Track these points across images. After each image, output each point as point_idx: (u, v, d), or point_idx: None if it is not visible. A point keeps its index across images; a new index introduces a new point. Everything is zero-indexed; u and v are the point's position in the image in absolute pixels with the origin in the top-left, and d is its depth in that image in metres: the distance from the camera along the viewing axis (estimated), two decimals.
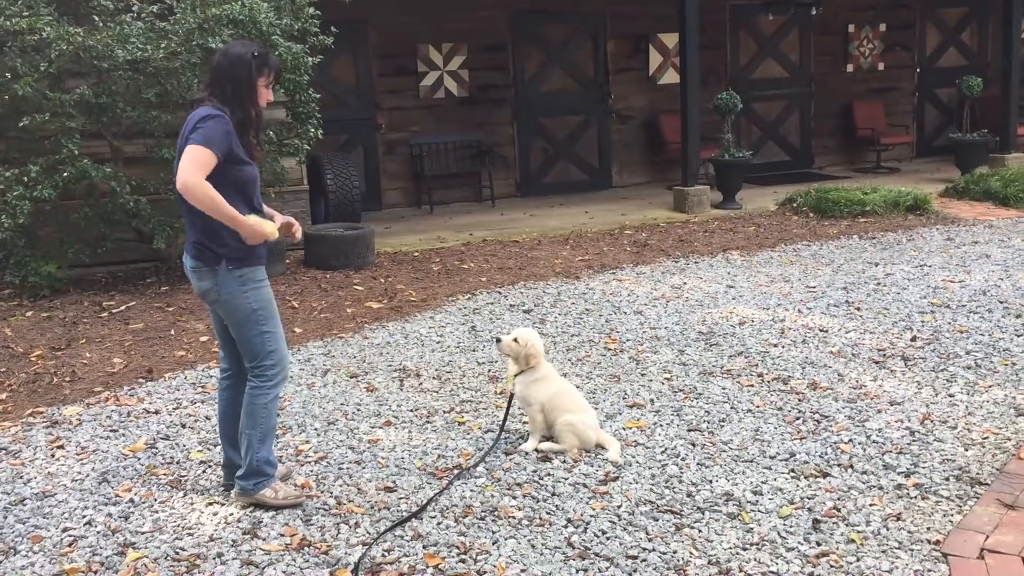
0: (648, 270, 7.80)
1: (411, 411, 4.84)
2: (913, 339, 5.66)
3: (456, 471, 4.05)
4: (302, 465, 4.21)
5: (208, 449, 4.42)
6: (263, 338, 3.65)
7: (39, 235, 7.50)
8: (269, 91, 3.65)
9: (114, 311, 6.93)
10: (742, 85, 12.51)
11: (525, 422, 4.43)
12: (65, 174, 6.91)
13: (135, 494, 3.95)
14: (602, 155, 12.61)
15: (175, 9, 7.15)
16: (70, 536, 3.61)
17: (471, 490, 3.89)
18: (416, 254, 8.65)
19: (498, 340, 4.43)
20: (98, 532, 3.63)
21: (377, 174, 11.54)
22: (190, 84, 7.28)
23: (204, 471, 4.18)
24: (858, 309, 6.37)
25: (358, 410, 4.87)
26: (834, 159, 13.70)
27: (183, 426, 4.71)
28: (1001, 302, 6.35)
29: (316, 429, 4.63)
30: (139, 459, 4.31)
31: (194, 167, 3.38)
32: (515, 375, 4.35)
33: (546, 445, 4.27)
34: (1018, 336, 5.61)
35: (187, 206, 3.49)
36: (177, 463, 4.27)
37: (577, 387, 5.03)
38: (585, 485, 3.89)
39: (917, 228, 9.04)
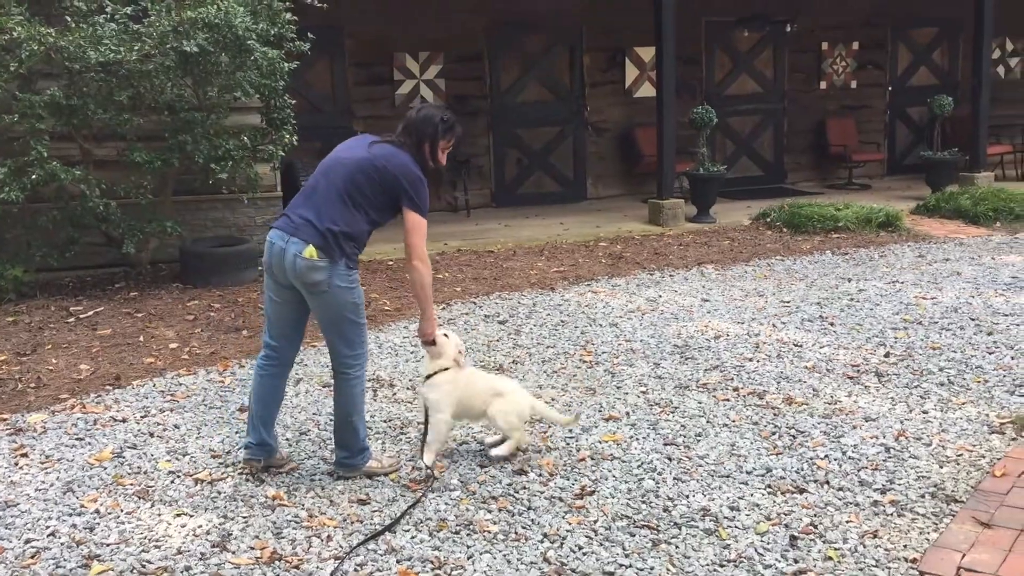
0: (623, 282, 7.79)
1: (385, 422, 4.78)
2: (886, 355, 5.69)
3: (429, 483, 3.99)
4: (273, 476, 4.13)
5: (177, 459, 4.33)
6: (358, 330, 3.95)
7: (5, 238, 7.37)
8: (444, 155, 4.08)
9: (81, 316, 6.80)
10: (717, 100, 12.59)
11: (481, 429, 4.38)
12: (34, 176, 6.79)
13: (101, 504, 3.85)
14: (577, 167, 12.63)
15: (149, 11, 7.06)
16: (33, 547, 3.51)
17: (445, 503, 3.84)
18: (391, 263, 8.58)
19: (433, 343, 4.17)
20: (62, 544, 3.53)
21: None
22: (163, 87, 7.21)
23: (172, 481, 4.09)
24: (832, 324, 6.39)
25: (331, 421, 4.78)
26: (807, 175, 13.81)
27: (151, 435, 4.62)
28: (972, 319, 6.39)
29: (288, 440, 4.55)
30: (105, 468, 4.22)
31: (424, 241, 3.88)
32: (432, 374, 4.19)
33: (502, 449, 4.22)
34: (990, 354, 5.64)
35: (343, 197, 3.80)
36: (145, 473, 4.18)
37: (552, 400, 5.02)
38: (561, 499, 3.85)
39: (889, 245, 9.11)
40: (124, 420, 4.82)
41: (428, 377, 4.21)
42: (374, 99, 11.50)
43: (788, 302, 7.02)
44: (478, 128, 11.93)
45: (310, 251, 3.76)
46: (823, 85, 13.74)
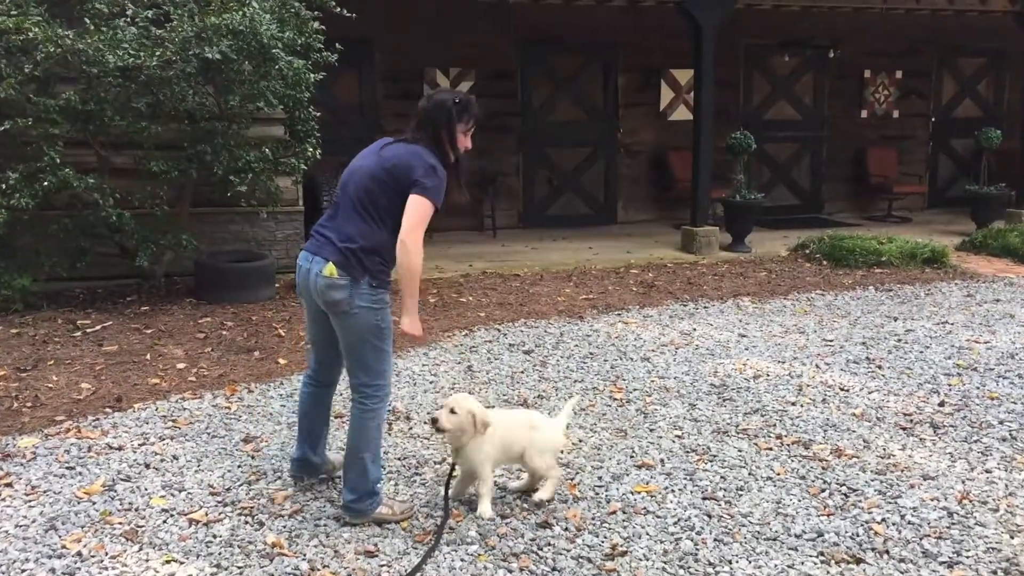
0: (655, 313, 7.42)
1: (399, 460, 4.43)
2: (941, 404, 5.27)
3: (443, 533, 3.63)
4: (274, 519, 3.79)
5: (172, 494, 4.00)
6: (379, 355, 3.66)
7: (14, 246, 7.10)
8: (468, 138, 3.77)
9: (88, 330, 6.51)
10: (754, 125, 12.18)
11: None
12: (46, 183, 6.53)
13: (84, 546, 3.52)
14: (608, 189, 12.29)
15: (172, 16, 6.79)
16: None
17: (462, 559, 3.47)
18: None
19: (435, 421, 3.75)
20: None
21: None
22: (184, 95, 6.95)
23: (164, 521, 3.75)
24: (879, 367, 5.98)
25: (340, 455, 4.44)
26: (844, 205, 13.37)
27: (147, 466, 4.29)
28: None
29: (293, 477, 4.20)
30: (94, 503, 3.89)
31: (422, 224, 3.52)
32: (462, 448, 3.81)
33: (544, 492, 3.88)
34: None
35: (357, 209, 3.58)
36: (136, 510, 3.85)
37: (580, 441, 4.65)
38: (589, 560, 3.47)
39: (935, 282, 8.67)
40: (120, 448, 4.50)
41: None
42: (403, 114, 11.10)
43: (831, 341, 6.61)
44: (508, 146, 11.63)
45: (329, 269, 3.57)
46: (864, 114, 13.33)
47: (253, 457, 4.43)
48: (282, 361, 5.97)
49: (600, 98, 12.12)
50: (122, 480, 4.13)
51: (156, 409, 5.06)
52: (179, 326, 6.72)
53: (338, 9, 7.46)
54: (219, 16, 6.63)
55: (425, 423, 4.89)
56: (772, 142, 12.77)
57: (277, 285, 7.83)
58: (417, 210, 3.52)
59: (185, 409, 5.08)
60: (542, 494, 3.92)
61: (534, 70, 11.72)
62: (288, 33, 7.09)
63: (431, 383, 5.59)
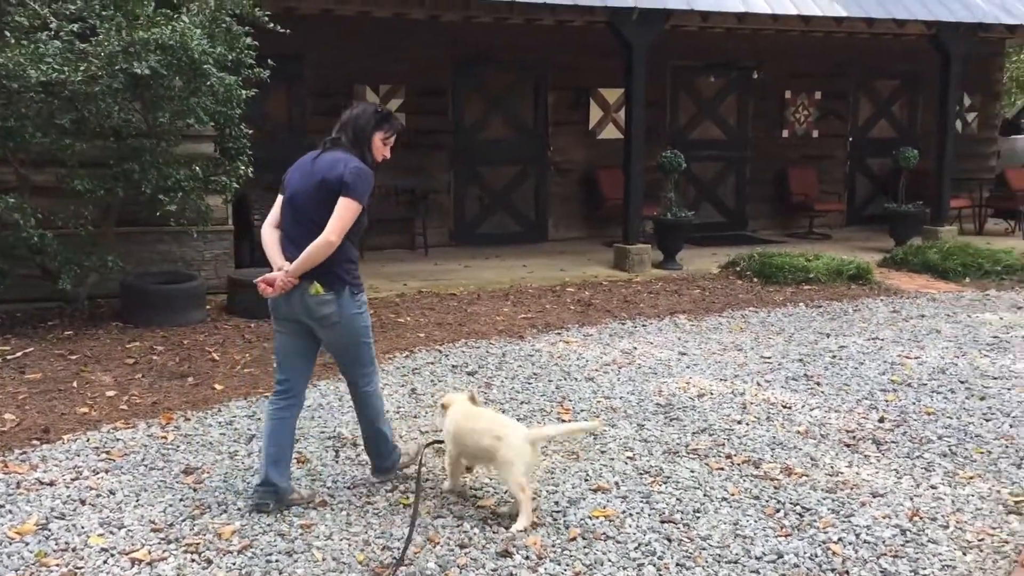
0: (595, 332, 7.42)
1: (349, 488, 4.30)
2: (881, 420, 5.38)
3: (401, 567, 3.53)
4: (223, 556, 3.63)
5: (111, 532, 3.80)
6: (369, 349, 4.13)
7: None
8: (387, 148, 4.03)
9: (8, 357, 6.20)
10: (680, 145, 12.28)
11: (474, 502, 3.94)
12: None
13: None
14: (539, 207, 12.30)
15: (98, 30, 6.55)
16: None
17: None
18: None
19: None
20: None
21: None
22: (110, 111, 6.70)
23: (104, 561, 3.56)
24: (818, 384, 6.08)
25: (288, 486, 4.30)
26: (768, 223, 13.65)
27: (82, 502, 4.08)
28: (962, 382, 6.13)
29: (239, 509, 4.05)
30: (27, 544, 3.67)
31: (348, 224, 3.81)
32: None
33: (520, 522, 3.85)
34: (987, 421, 5.37)
35: (314, 228, 3.80)
36: (73, 550, 3.65)
37: (534, 468, 4.59)
38: None
39: (861, 298, 8.89)
40: (52, 483, 4.27)
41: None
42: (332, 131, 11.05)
43: (769, 358, 6.70)
44: (440, 163, 11.56)
45: (315, 288, 3.85)
46: (785, 134, 13.65)
47: (195, 490, 4.26)
48: (218, 387, 5.77)
49: (531, 116, 12.15)
50: (56, 518, 3.91)
51: (87, 440, 4.83)
52: (106, 351, 6.45)
53: (271, 25, 7.30)
54: (148, 31, 6.42)
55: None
56: (698, 161, 12.91)
57: (208, 307, 7.59)
58: (344, 212, 3.80)
59: (118, 440, 4.86)
60: (517, 525, 3.82)
61: (465, 88, 11.69)
62: (219, 48, 6.91)
63: None
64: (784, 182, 13.55)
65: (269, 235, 4.03)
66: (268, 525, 3.90)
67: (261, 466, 4.01)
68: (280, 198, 4.07)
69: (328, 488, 4.29)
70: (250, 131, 7.69)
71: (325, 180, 3.83)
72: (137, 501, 4.12)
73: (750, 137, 13.40)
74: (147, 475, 4.41)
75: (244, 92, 7.19)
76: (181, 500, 4.13)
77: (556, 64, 11.97)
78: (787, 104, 13.56)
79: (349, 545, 3.73)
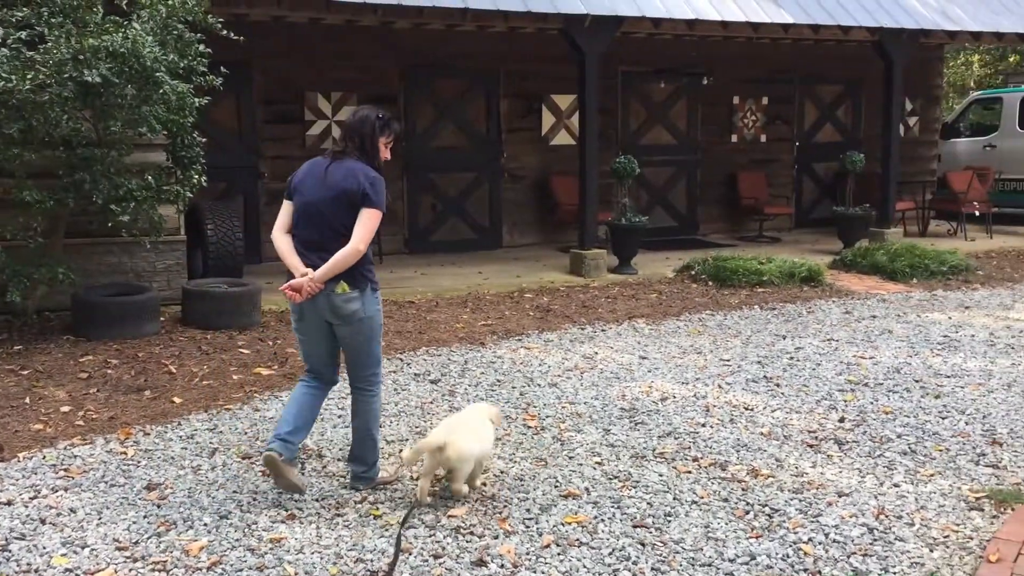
0: (555, 337, 7.43)
1: (317, 501, 4.25)
2: (841, 420, 5.46)
3: None
4: (191, 573, 3.55)
5: (74, 552, 3.70)
6: (379, 347, 4.34)
7: None
8: (387, 150, 4.24)
9: None
10: (632, 150, 12.42)
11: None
12: None
13: None
14: (493, 214, 12.30)
15: (47, 37, 6.39)
16: None
17: None
18: None
19: None
20: None
21: (257, 225, 10.85)
22: (59, 120, 6.54)
23: None
24: (778, 385, 6.16)
25: (254, 500, 4.24)
26: (719, 227, 13.82)
27: (43, 521, 3.97)
28: (916, 381, 6.26)
29: (206, 525, 3.97)
30: None
31: (373, 232, 4.07)
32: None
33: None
34: (943, 419, 5.49)
35: (336, 233, 4.04)
36: (36, 571, 3.54)
37: (502, 472, 4.58)
38: None
39: (814, 300, 9.04)
40: (9, 503, 4.15)
41: None
42: (283, 138, 10.96)
43: (728, 361, 6.78)
44: (392, 172, 11.47)
45: (342, 287, 4.06)
46: (734, 138, 13.84)
47: (159, 506, 4.17)
48: (177, 400, 5.67)
49: (483, 123, 12.15)
50: (16, 539, 3.80)
51: (44, 458, 4.71)
52: (58, 366, 6.29)
53: (224, 32, 7.20)
54: (98, 38, 6.29)
55: (339, 460, 4.73)
56: (649, 166, 13.03)
57: (162, 319, 7.45)
58: (369, 221, 4.04)
59: (76, 456, 4.74)
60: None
61: (417, 95, 11.65)
62: (171, 56, 6.79)
63: (339, 418, 5.41)
64: (734, 186, 13.74)
65: (283, 241, 4.18)
66: (237, 540, 3.83)
67: (281, 420, 4.23)
68: (287, 204, 4.20)
69: (296, 501, 4.23)
70: (203, 139, 7.57)
71: (346, 191, 4.03)
72: (100, 519, 4.02)
73: (700, 142, 13.56)
74: (108, 492, 4.31)
75: (197, 100, 7.08)
76: (145, 517, 4.04)
77: (508, 71, 12.00)
78: (736, 109, 13.76)
79: (321, 558, 3.68)
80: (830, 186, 14.34)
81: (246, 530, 3.92)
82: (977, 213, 13.43)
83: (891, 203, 12.23)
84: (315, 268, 4.04)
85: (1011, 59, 25.15)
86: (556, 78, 11.86)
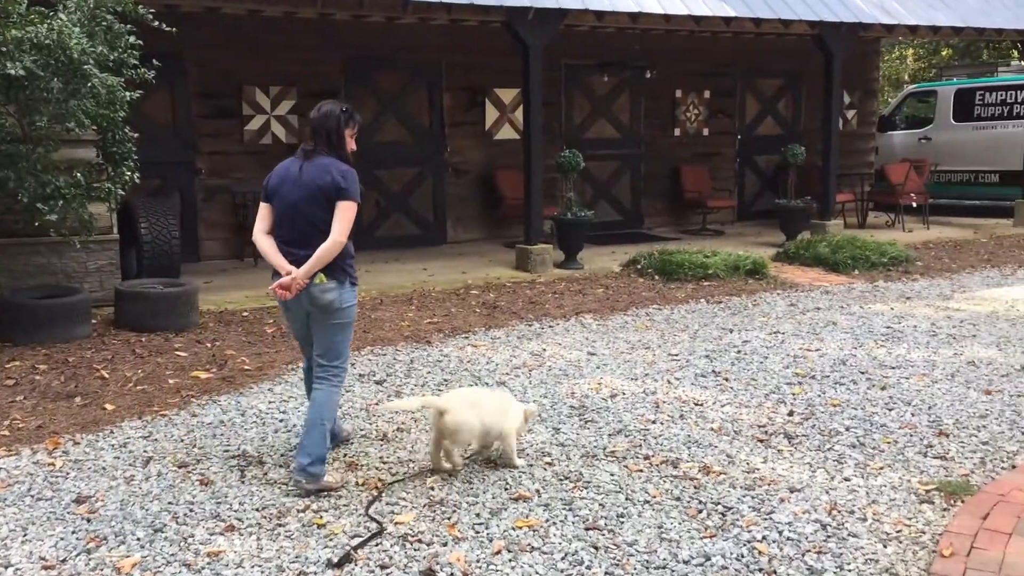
0: (503, 334, 7.33)
1: (257, 510, 4.08)
2: (790, 414, 5.44)
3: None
4: None
5: None
6: (347, 341, 4.48)
7: None
8: (352, 142, 4.42)
9: None
10: (576, 144, 12.34)
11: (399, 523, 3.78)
12: None
13: None
14: (437, 209, 12.15)
15: None
16: None
17: None
18: (245, 314, 7.79)
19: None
20: None
21: (195, 223, 10.58)
22: None
23: None
24: (727, 380, 6.13)
25: (191, 511, 4.06)
26: (663, 220, 13.85)
27: None
28: (862, 372, 6.29)
29: (139, 539, 3.78)
30: None
31: (351, 224, 4.23)
32: None
33: None
34: (890, 411, 5.50)
35: (316, 229, 4.20)
36: None
37: (450, 475, 4.46)
38: None
39: (759, 293, 9.07)
40: None
41: None
42: (221, 134, 10.67)
43: (676, 355, 6.74)
44: None
45: (320, 278, 4.22)
46: (677, 132, 13.87)
47: (89, 520, 3.97)
48: (109, 407, 5.43)
49: (426, 117, 11.98)
50: None
51: None
52: None
53: (156, 23, 6.94)
54: (21, 29, 6.01)
55: (280, 467, 4.56)
56: (593, 160, 12.99)
57: (94, 321, 7.17)
58: (346, 214, 4.21)
59: (1, 469, 4.50)
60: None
61: (359, 89, 11.44)
62: (100, 48, 6.52)
63: (281, 422, 5.24)
64: (677, 180, 13.77)
65: (266, 243, 4.33)
66: (172, 555, 3.65)
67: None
68: (264, 206, 4.36)
69: (234, 511, 4.06)
70: (135, 135, 7.30)
71: (321, 188, 4.20)
72: (25, 536, 3.80)
73: (644, 136, 13.55)
74: (34, 506, 4.09)
75: (128, 94, 6.82)
76: (74, 532, 3.83)
77: (451, 64, 11.85)
78: (679, 103, 13.79)
79: (261, 572, 3.53)
80: (772, 179, 14.46)
81: (182, 544, 3.74)
82: (914, 204, 13.66)
83: (832, 195, 12.36)
84: (299, 265, 4.19)
85: (944, 53, 25.70)
86: (500, 71, 11.74)
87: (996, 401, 5.64)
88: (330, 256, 4.18)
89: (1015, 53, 21.89)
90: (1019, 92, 14.67)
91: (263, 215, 4.36)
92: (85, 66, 6.23)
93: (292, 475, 4.29)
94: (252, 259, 10.29)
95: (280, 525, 3.94)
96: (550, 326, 7.63)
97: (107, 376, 6.01)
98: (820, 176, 12.53)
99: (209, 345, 6.82)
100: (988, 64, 18.55)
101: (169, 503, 4.13)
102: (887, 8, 12.00)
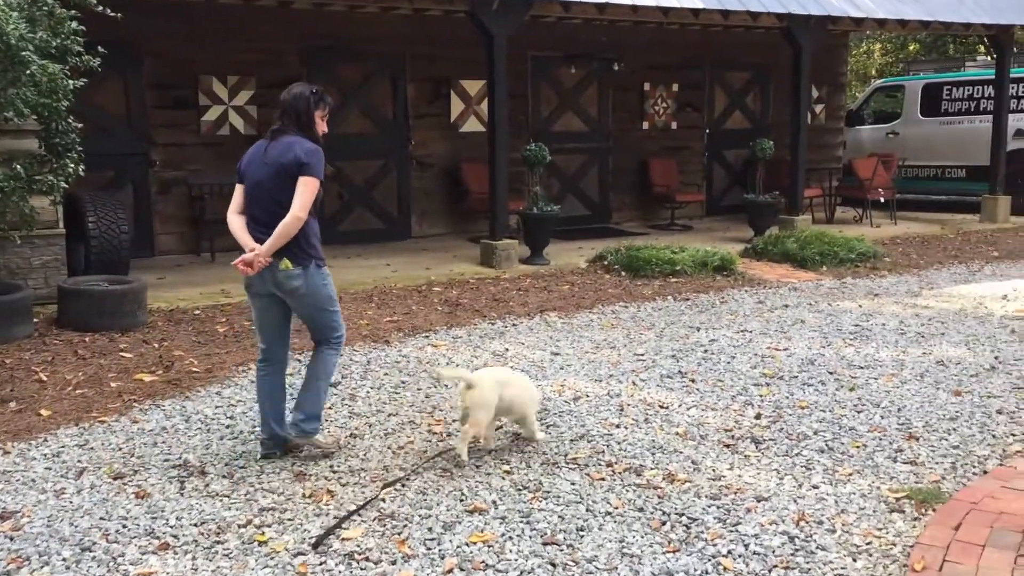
0: (464, 333, 7.11)
1: (195, 526, 3.84)
2: (757, 416, 5.28)
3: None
4: None
5: None
6: (335, 316, 4.53)
7: None
8: (323, 124, 4.40)
9: None
10: (543, 137, 12.15)
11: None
12: None
13: None
14: (401, 203, 11.90)
15: None
16: None
17: None
18: (197, 312, 7.51)
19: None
20: None
21: (149, 216, 10.26)
22: None
23: None
24: (693, 381, 5.96)
25: (124, 527, 3.81)
26: (631, 215, 13.69)
27: None
28: (831, 372, 6.14)
29: (64, 559, 3.53)
30: None
31: (311, 200, 4.22)
32: None
33: None
34: (858, 413, 5.35)
35: (279, 210, 4.19)
36: None
37: (403, 485, 4.25)
38: None
39: (727, 290, 8.92)
40: None
41: None
42: (177, 124, 10.35)
43: (643, 355, 6.56)
44: None
45: (285, 264, 4.25)
46: (646, 125, 13.70)
47: (12, 538, 3.71)
48: (45, 412, 5.16)
49: (390, 109, 11.72)
50: None
51: None
52: None
53: (100, 8, 6.64)
54: None
55: (224, 478, 4.32)
56: (561, 153, 12.81)
57: (36, 320, 6.87)
58: (306, 188, 4.19)
59: None
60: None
61: (320, 79, 11.08)
62: (40, 34, 6.22)
63: (227, 428, 4.99)
64: (646, 174, 13.61)
65: (236, 222, 4.35)
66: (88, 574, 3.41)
67: (261, 424, 4.56)
68: (239, 187, 4.38)
69: (171, 527, 3.82)
70: (79, 125, 6.99)
71: (283, 165, 4.21)
72: None
73: (611, 129, 13.38)
74: None
75: (72, 82, 6.52)
76: (10, 552, 3.57)
77: (415, 55, 11.59)
78: (647, 96, 13.62)
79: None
80: (740, 173, 14.34)
81: (111, 564, 3.50)
82: (882, 199, 13.60)
83: (800, 190, 12.24)
84: (262, 243, 4.21)
85: (911, 47, 25.76)
86: (465, 62, 11.51)
87: (966, 402, 5.52)
88: (290, 232, 4.17)
89: (982, 48, 21.98)
90: (986, 87, 14.66)
91: (236, 195, 4.40)
92: (24, 52, 5.94)
93: (288, 433, 4.50)
94: (209, 254, 10.00)
95: (219, 542, 3.70)
96: (514, 324, 7.43)
97: (45, 379, 5.72)
98: (788, 171, 12.41)
99: (156, 345, 6.55)
100: (955, 59, 18.56)
101: (100, 519, 3.88)
102: (855, 2, 11.89)
